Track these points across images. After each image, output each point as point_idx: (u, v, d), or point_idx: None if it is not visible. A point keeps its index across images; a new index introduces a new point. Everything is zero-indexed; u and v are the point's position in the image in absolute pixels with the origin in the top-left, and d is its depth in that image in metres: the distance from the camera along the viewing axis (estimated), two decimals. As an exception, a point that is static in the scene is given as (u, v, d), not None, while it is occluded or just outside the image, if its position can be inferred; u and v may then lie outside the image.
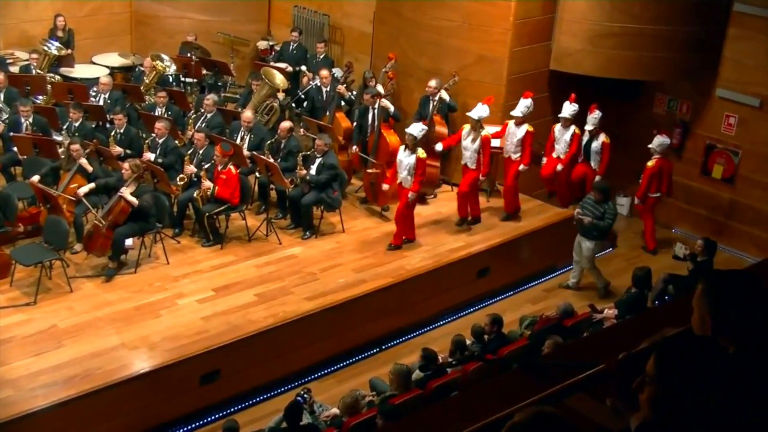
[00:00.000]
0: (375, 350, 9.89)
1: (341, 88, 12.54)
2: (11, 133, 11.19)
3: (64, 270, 9.48)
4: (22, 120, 11.27)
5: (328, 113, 12.49)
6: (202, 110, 12.00)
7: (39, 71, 13.17)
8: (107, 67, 14.24)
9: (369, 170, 11.65)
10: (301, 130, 12.33)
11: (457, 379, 7.84)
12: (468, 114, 11.21)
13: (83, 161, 10.23)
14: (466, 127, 11.17)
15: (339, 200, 10.98)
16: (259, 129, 11.75)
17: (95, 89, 12.53)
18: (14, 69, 13.49)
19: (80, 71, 13.94)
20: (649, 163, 11.58)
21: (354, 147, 11.83)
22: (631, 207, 13.34)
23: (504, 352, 8.13)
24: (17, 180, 11.15)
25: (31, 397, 7.78)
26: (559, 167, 11.81)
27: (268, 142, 11.28)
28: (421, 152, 10.50)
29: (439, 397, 7.34)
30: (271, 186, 11.16)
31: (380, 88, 12.02)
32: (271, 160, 10.82)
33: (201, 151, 10.84)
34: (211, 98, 12.08)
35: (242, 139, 11.46)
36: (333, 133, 11.71)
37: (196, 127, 11.64)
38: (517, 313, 10.31)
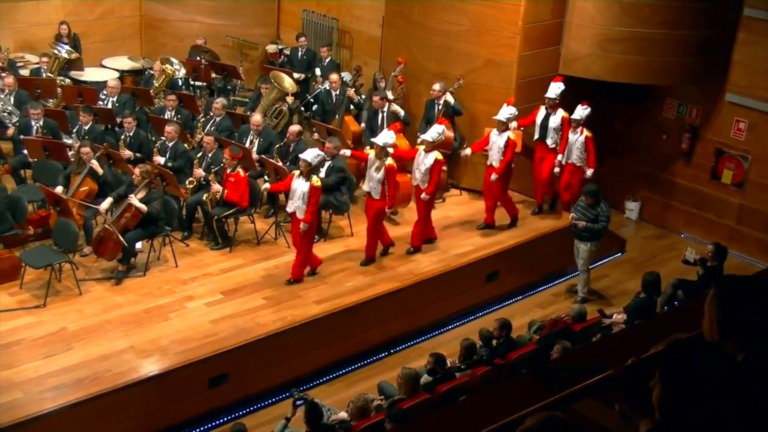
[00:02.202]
0: (383, 354, 9.89)
1: (350, 91, 12.57)
2: (21, 136, 11.24)
3: (74, 273, 9.51)
4: (33, 123, 11.32)
5: (337, 116, 12.52)
6: (211, 113, 12.03)
7: (49, 74, 13.22)
8: (117, 70, 14.29)
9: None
10: (314, 133, 12.33)
11: (465, 383, 7.82)
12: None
13: (93, 164, 10.25)
14: (371, 153, 10.26)
15: (347, 203, 10.97)
16: (268, 132, 11.77)
17: (105, 92, 12.58)
18: (25, 72, 13.57)
19: (90, 74, 13.99)
20: (588, 134, 11.21)
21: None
22: (640, 211, 13.31)
23: (512, 357, 8.13)
24: (27, 183, 11.19)
25: (39, 400, 7.79)
26: (494, 177, 11.01)
27: (277, 145, 11.29)
28: (316, 180, 9.71)
29: (448, 401, 7.32)
30: (280, 189, 11.16)
31: (389, 93, 12.00)
32: (280, 164, 10.84)
33: (210, 155, 10.85)
34: (220, 102, 12.10)
35: (251, 142, 11.48)
36: (342, 136, 11.71)
37: (206, 130, 11.68)
38: (526, 318, 10.29)
